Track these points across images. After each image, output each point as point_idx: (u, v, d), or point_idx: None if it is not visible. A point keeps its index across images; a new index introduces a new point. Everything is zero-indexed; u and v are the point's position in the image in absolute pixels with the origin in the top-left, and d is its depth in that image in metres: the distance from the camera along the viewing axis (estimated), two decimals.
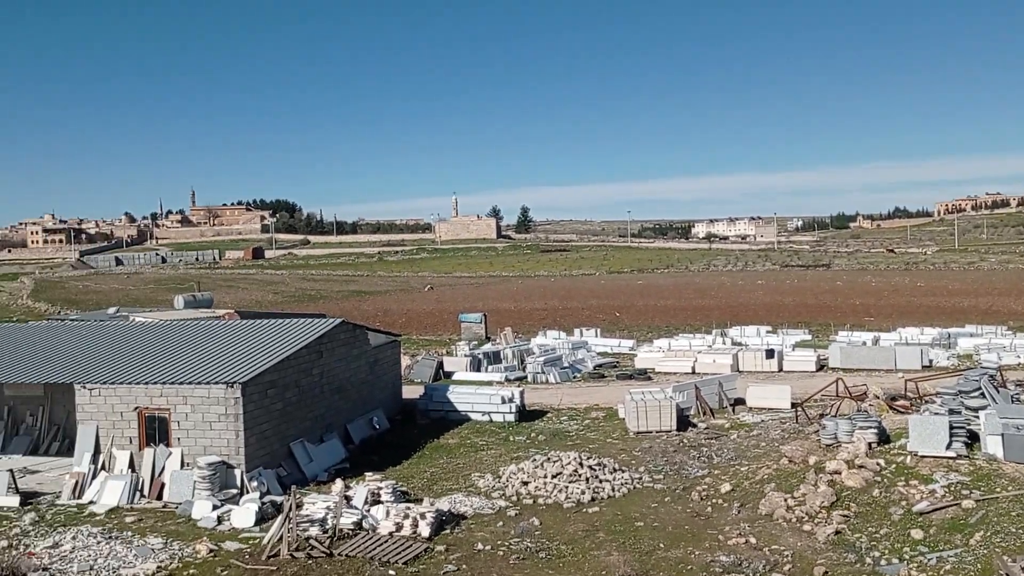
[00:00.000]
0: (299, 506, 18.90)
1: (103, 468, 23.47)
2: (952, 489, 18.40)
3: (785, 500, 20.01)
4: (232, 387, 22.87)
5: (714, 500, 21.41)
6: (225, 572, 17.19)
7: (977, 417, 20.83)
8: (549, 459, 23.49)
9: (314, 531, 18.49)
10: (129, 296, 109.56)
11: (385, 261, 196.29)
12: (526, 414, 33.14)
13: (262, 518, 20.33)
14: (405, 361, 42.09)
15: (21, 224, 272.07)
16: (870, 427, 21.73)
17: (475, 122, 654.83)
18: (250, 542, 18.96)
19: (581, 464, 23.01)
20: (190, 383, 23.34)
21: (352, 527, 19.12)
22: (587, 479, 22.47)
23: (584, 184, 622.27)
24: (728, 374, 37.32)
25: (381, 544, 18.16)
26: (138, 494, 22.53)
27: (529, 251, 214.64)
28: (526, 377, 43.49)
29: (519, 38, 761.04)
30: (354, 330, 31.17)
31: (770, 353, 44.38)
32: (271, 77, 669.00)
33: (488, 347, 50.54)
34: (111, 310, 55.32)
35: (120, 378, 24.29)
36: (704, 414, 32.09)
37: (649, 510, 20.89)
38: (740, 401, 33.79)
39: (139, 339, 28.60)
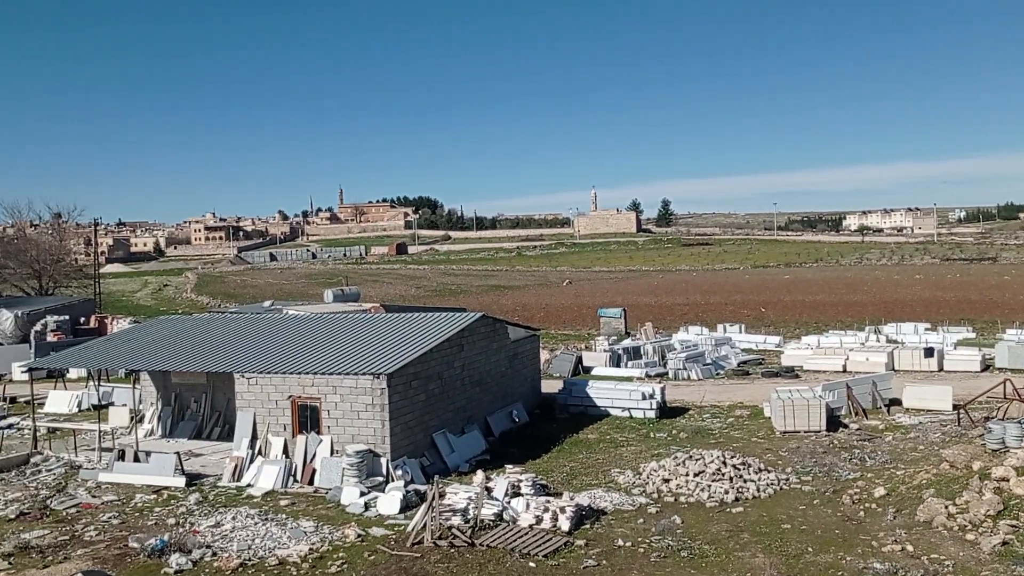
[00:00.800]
0: (442, 496, 19.28)
1: (259, 453, 24.73)
2: None
3: (946, 507, 18.81)
4: (378, 378, 23.57)
5: (867, 504, 20.37)
6: (372, 557, 17.73)
7: None
8: (691, 457, 23.02)
9: (456, 520, 18.81)
10: (282, 290, 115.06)
11: (524, 256, 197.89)
12: (667, 411, 32.64)
13: (406, 506, 20.87)
14: (544, 355, 42.25)
15: (186, 222, 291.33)
16: None
17: (615, 115, 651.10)
18: (395, 529, 19.49)
19: (724, 463, 22.43)
20: (339, 373, 24.22)
21: (493, 518, 19.34)
22: (731, 478, 21.87)
23: (728, 176, 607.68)
24: (882, 373, 35.53)
25: (522, 536, 18.28)
26: (291, 479, 23.59)
27: (670, 245, 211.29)
28: (667, 373, 42.86)
29: (657, 30, 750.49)
30: (494, 324, 31.54)
31: (929, 351, 42.00)
32: (416, 77, 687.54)
33: (628, 342, 50.07)
34: (266, 303, 58.38)
35: (275, 368, 25.49)
36: (856, 414, 30.67)
37: (796, 512, 20.12)
38: (895, 402, 32.09)
39: (292, 331, 29.93)
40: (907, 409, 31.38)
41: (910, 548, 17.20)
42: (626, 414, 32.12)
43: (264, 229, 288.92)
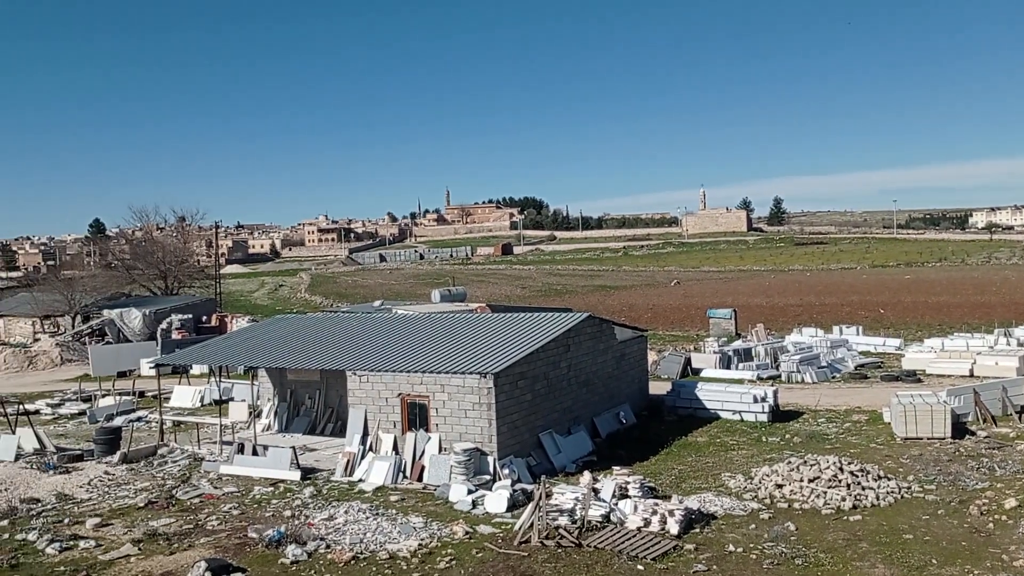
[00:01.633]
0: (548, 495, 19.24)
1: (370, 449, 25.28)
2: None
3: None
4: (485, 377, 23.75)
5: (996, 516, 19.26)
6: (480, 554, 17.85)
7: None
8: (806, 462, 22.27)
9: (563, 521, 18.74)
10: (391, 290, 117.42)
11: (630, 256, 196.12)
12: (780, 414, 31.73)
13: (513, 504, 20.93)
14: (651, 357, 41.73)
15: (300, 225, 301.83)
16: None
17: (724, 112, 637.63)
18: (502, 527, 19.57)
19: (841, 469, 21.60)
20: (447, 372, 24.52)
21: (600, 520, 19.19)
22: (848, 485, 21.05)
23: (843, 173, 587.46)
24: (1015, 378, 33.51)
25: (630, 538, 18.06)
26: (400, 475, 24.03)
27: (782, 244, 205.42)
28: (779, 376, 41.69)
29: (769, 25, 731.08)
30: (600, 324, 31.32)
31: None
32: (522, 79, 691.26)
33: (738, 344, 48.95)
34: (376, 303, 59.76)
35: (385, 366, 26.00)
36: (984, 421, 29.07)
37: (919, 522, 19.19)
38: None
39: (401, 330, 30.49)
40: None
41: None
42: (737, 417, 31.40)
43: (374, 231, 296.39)
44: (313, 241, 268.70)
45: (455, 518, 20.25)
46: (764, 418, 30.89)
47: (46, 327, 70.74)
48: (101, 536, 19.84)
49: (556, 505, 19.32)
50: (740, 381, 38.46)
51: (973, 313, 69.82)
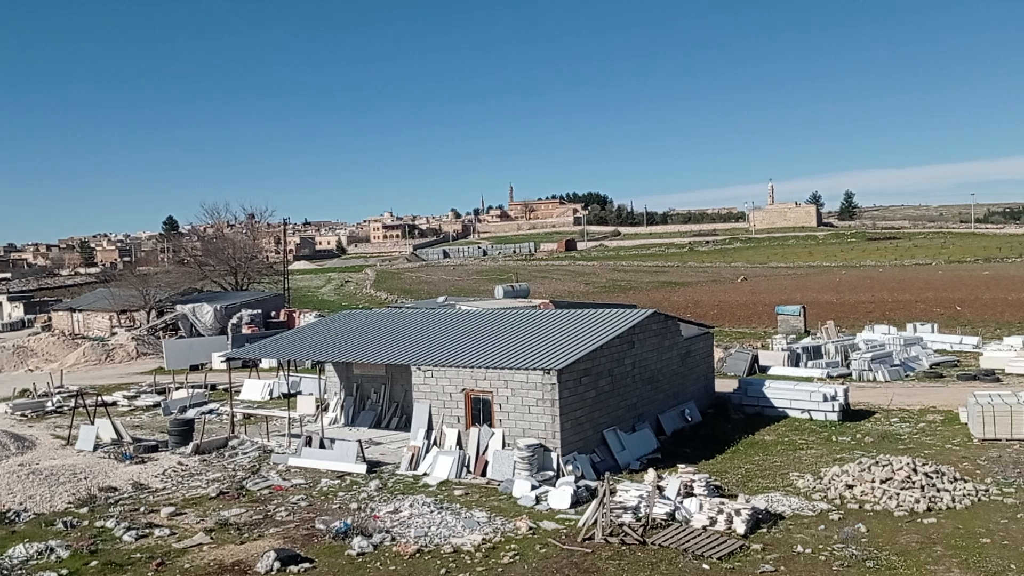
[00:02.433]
0: (612, 492, 19.13)
1: (435, 444, 25.48)
2: None
3: None
4: (548, 373, 23.72)
5: None
6: (543, 550, 17.84)
7: None
8: (877, 463, 21.71)
9: (627, 518, 18.63)
10: (455, 286, 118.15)
11: (696, 251, 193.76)
12: (850, 413, 31.02)
13: (576, 501, 20.88)
14: (718, 354, 41.17)
15: (365, 222, 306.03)
16: None
17: (794, 105, 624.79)
18: (566, 523, 19.53)
19: (915, 470, 20.99)
20: (510, 368, 24.56)
21: (664, 518, 19.02)
22: (922, 487, 20.44)
23: (918, 166, 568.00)
24: None
25: (695, 537, 17.86)
26: (464, 469, 24.16)
27: (853, 239, 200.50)
28: (850, 374, 40.76)
29: (836, 16, 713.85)
30: (666, 321, 31.01)
31: None
32: (586, 74, 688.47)
33: (807, 341, 47.94)
34: (440, 299, 60.10)
35: (449, 361, 26.17)
36: None
37: (997, 526, 18.54)
38: None
39: (465, 326, 30.65)
40: None
41: None
42: (805, 416, 30.78)
43: (438, 227, 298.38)
44: (378, 238, 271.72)
45: (518, 513, 20.28)
46: (834, 417, 30.23)
47: (122, 321, 73.18)
48: (175, 525, 20.42)
49: (620, 502, 19.21)
50: (809, 379, 37.67)
51: None
